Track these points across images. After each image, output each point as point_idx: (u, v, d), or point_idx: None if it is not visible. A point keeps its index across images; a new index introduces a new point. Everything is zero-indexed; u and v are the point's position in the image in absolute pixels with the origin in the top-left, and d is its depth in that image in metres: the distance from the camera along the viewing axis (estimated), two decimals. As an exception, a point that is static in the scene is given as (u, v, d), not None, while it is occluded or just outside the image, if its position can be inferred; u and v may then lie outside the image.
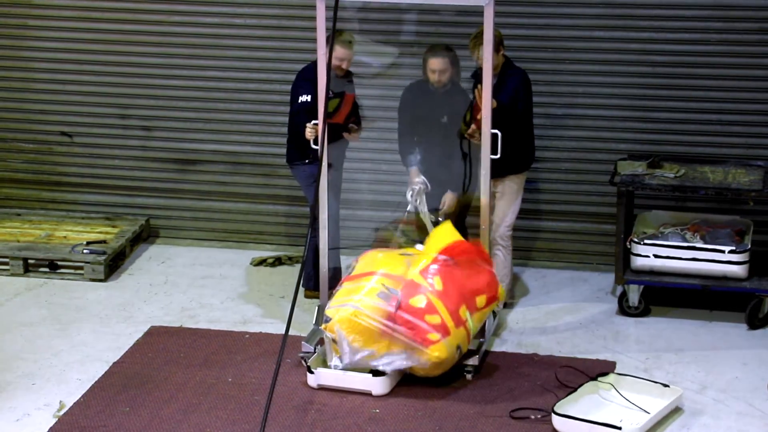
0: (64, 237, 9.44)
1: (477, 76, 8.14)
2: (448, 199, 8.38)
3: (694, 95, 8.89)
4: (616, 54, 8.91)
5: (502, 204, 8.40)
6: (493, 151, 7.65)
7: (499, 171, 7.99)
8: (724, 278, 8.30)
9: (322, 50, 7.71)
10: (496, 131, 7.62)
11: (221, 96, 9.56)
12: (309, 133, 8.06)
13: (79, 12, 9.59)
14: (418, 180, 8.22)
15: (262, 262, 9.38)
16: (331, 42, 7.59)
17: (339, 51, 8.13)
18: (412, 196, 8.16)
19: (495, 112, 7.68)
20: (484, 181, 7.70)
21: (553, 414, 6.95)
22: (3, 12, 9.67)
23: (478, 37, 7.72)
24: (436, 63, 8.16)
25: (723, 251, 8.24)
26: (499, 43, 7.99)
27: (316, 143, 7.95)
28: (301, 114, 8.21)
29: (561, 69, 9.00)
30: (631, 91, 8.95)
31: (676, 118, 8.94)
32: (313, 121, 7.96)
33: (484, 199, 7.74)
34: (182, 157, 9.73)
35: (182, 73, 9.57)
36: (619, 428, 6.79)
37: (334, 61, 8.09)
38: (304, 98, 8.24)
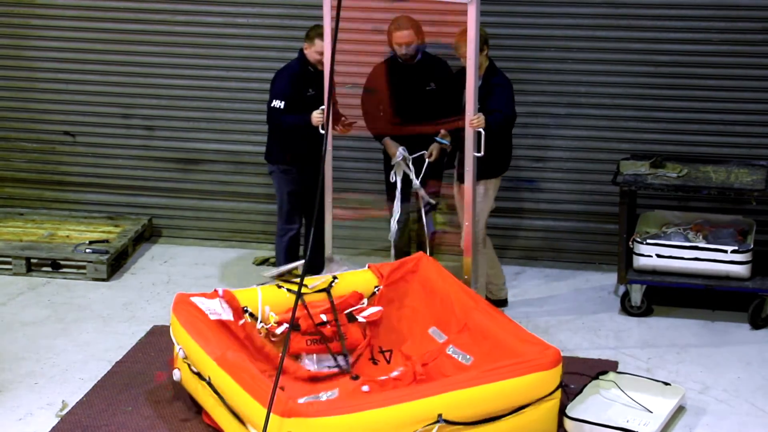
0: (67, 236, 9.44)
1: (460, 76, 7.92)
2: (435, 150, 8.31)
3: (696, 95, 8.88)
4: (619, 54, 8.90)
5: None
6: (477, 149, 7.63)
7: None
8: (727, 278, 8.29)
9: (327, 47, 7.70)
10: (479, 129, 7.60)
11: (224, 96, 9.56)
12: (317, 118, 8.05)
13: (81, 12, 9.59)
14: (399, 151, 8.26)
15: (264, 262, 9.38)
16: (333, 40, 7.58)
17: (320, 45, 8.10)
18: (395, 171, 8.25)
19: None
20: (467, 179, 7.67)
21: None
22: (6, 12, 9.68)
23: (463, 35, 7.64)
24: (401, 36, 8.19)
25: (726, 251, 8.24)
26: (483, 43, 7.89)
27: (323, 128, 7.88)
28: (276, 116, 8.23)
29: (564, 69, 8.99)
30: (634, 91, 8.95)
31: (678, 117, 8.93)
32: (321, 107, 7.96)
33: (468, 196, 7.71)
34: (185, 156, 9.73)
35: (185, 73, 9.57)
36: None
37: (317, 56, 8.10)
38: (277, 104, 8.24)
